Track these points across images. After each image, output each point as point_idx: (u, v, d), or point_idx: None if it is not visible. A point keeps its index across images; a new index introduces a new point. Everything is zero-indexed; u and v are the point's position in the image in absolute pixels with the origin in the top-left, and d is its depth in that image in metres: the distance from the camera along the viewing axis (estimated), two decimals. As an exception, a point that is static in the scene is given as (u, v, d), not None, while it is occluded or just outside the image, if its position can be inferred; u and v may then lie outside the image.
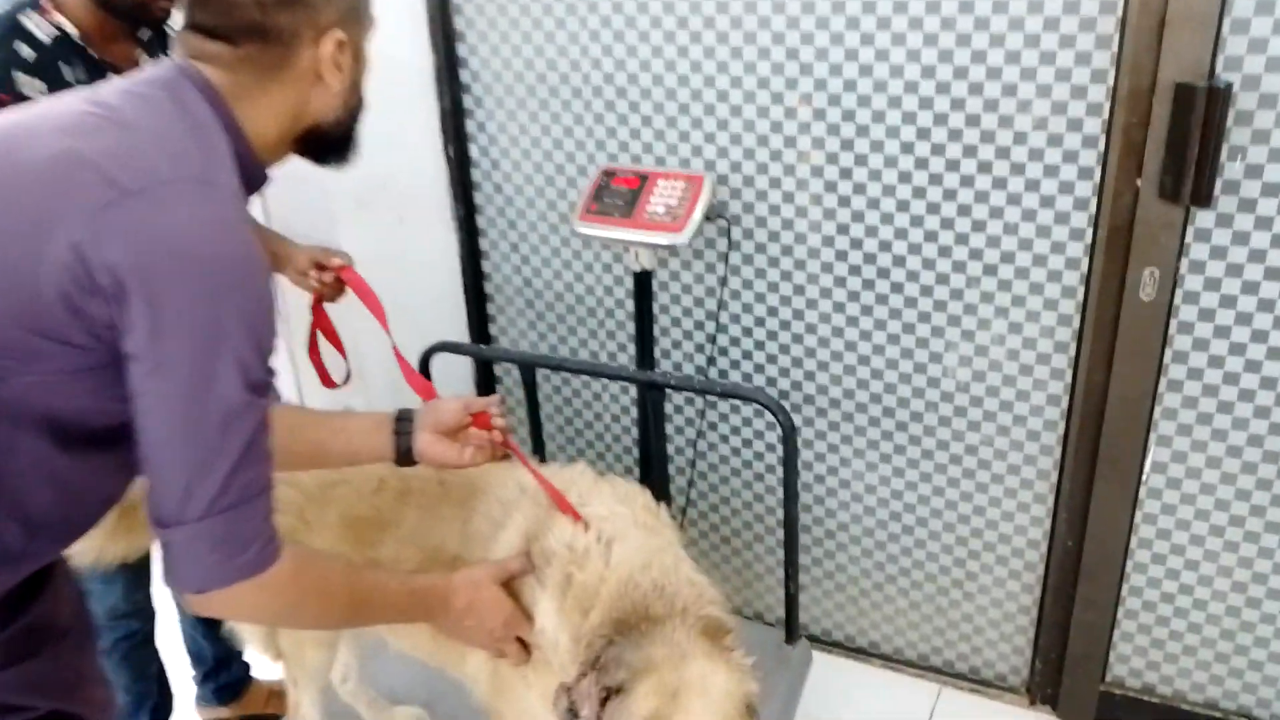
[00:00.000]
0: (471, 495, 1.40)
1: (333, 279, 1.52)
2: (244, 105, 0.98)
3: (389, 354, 1.33)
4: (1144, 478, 1.76)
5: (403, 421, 1.26)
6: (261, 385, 0.91)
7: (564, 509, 1.28)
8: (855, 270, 1.85)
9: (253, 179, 1.01)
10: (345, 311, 1.53)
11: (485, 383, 2.31)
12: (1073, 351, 1.74)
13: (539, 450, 1.93)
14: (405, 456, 1.25)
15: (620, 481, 1.37)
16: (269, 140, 1.02)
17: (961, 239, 1.74)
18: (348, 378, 1.59)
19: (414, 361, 1.82)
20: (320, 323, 1.53)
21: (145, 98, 0.93)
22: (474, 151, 2.11)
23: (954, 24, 1.62)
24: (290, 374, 2.08)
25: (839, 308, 1.90)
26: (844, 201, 1.81)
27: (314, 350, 1.54)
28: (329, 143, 1.09)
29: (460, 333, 2.24)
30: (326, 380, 1.57)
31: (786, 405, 1.98)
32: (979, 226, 1.72)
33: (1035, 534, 1.90)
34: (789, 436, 1.65)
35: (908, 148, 1.73)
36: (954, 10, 1.61)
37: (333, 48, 1.01)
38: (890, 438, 1.95)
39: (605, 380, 2.10)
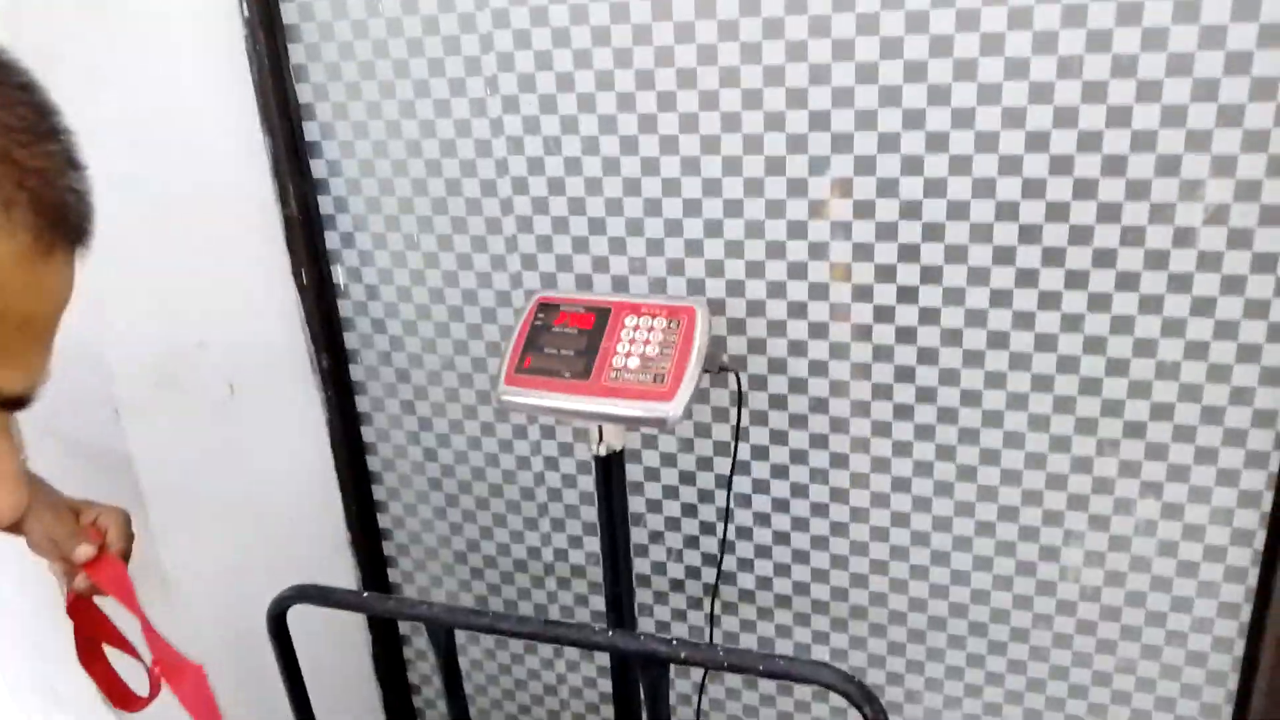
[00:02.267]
0: None
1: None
2: None
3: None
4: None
5: None
6: None
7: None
8: (925, 433, 1.27)
9: None
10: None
11: (389, 649, 1.66)
12: (1259, 543, 1.19)
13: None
14: None
15: None
16: None
17: (1091, 385, 1.18)
18: (155, 687, 1.00)
19: (261, 619, 1.18)
20: (90, 625, 0.99)
21: None
22: (339, 275, 1.47)
23: (1077, 67, 1.06)
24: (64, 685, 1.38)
25: (902, 485, 1.31)
26: (905, 335, 1.23)
27: (91, 659, 1.00)
28: None
29: (338, 559, 1.57)
30: (124, 698, 1.00)
31: (865, 680, 1.38)
32: (1117, 369, 1.16)
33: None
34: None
35: (1005, 255, 1.16)
36: (1080, 46, 1.05)
37: None
38: (981, 663, 1.37)
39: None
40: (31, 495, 0.95)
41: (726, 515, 1.41)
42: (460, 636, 1.60)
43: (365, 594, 1.21)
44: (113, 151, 1.25)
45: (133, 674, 1.03)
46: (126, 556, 1.00)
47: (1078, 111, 1.07)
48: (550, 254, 1.35)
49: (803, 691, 1.47)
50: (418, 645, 1.70)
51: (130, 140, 1.17)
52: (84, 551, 0.96)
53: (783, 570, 1.42)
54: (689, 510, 1.44)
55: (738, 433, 1.35)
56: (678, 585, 1.48)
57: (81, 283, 0.48)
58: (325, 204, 1.43)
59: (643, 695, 1.16)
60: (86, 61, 1.15)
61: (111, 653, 1.05)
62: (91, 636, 1.04)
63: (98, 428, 1.21)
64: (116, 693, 1.06)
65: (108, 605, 1.03)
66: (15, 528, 0.98)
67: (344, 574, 1.58)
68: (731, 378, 1.32)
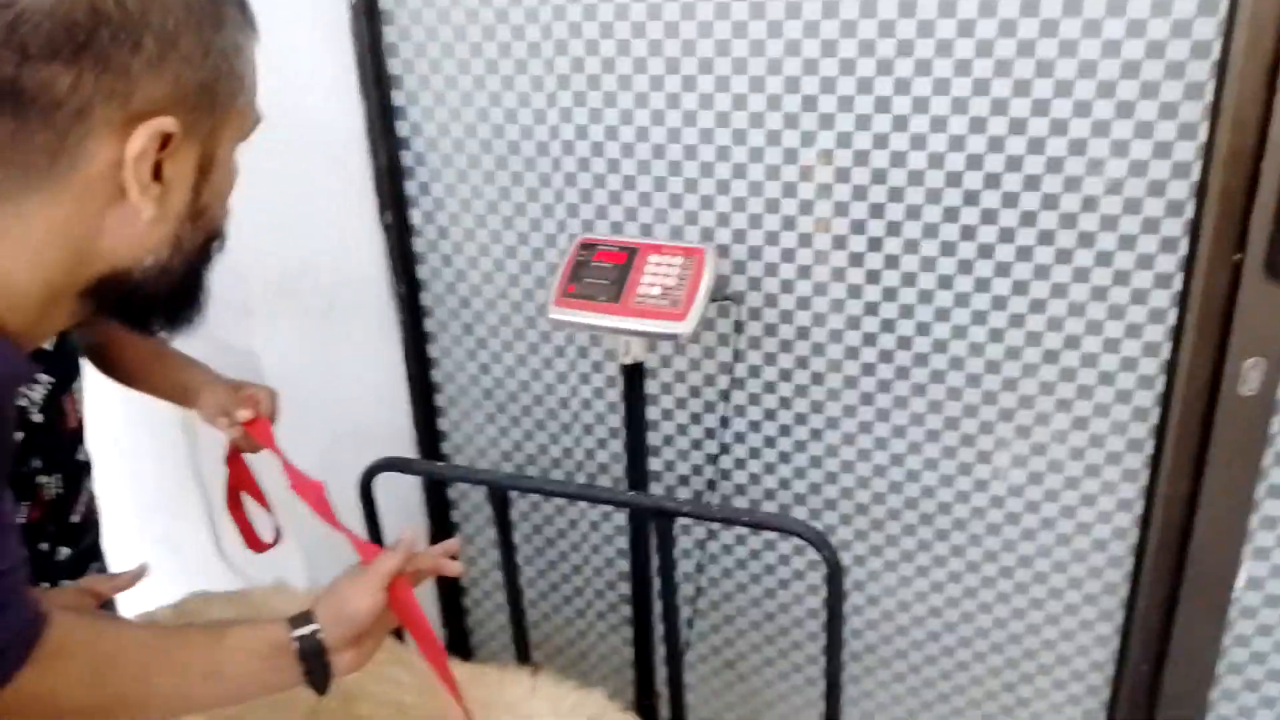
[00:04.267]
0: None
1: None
2: None
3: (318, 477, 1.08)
4: (1235, 595, 1.54)
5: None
6: None
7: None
8: (887, 356, 1.60)
9: None
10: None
11: (439, 512, 2.00)
12: (1149, 450, 1.51)
13: (513, 590, 1.61)
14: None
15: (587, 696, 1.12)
16: (26, 294, 0.63)
17: (1016, 320, 1.50)
18: (278, 536, 1.32)
19: (352, 485, 1.51)
20: (239, 477, 1.29)
21: None
22: (416, 218, 1.80)
23: (1010, 68, 1.37)
24: (208, 531, 1.74)
25: (867, 399, 1.64)
26: (873, 277, 1.56)
27: (235, 505, 1.32)
28: (141, 301, 0.71)
29: (407, 447, 1.91)
30: (253, 541, 1.34)
31: (820, 525, 1.71)
32: (1038, 307, 1.49)
33: (1100, 655, 1.67)
34: (835, 576, 1.37)
35: (951, 214, 1.48)
36: (1010, 53, 1.37)
37: (146, 143, 0.63)
38: (928, 548, 1.70)
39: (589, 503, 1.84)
40: (206, 373, 1.29)
41: (724, 422, 1.73)
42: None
43: (440, 463, 1.56)
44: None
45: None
46: (273, 419, 1.32)
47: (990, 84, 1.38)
48: (590, 204, 1.67)
49: (785, 547, 1.79)
50: (464, 510, 2.03)
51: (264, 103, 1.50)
52: (244, 414, 1.25)
53: (770, 468, 1.75)
54: (695, 419, 1.77)
55: (735, 353, 1.67)
56: (684, 480, 1.82)
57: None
58: (406, 158, 1.75)
59: (655, 545, 1.51)
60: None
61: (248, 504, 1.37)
62: (236, 487, 1.38)
63: (232, 326, 1.55)
64: (250, 536, 1.40)
65: (254, 461, 1.34)
66: (189, 401, 1.32)
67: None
68: (733, 308, 1.65)
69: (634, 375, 1.56)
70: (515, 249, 1.76)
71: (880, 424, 1.65)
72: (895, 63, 1.42)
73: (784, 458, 1.73)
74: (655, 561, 1.54)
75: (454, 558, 1.01)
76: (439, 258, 1.82)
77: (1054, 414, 1.54)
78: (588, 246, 1.54)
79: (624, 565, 1.91)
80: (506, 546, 1.57)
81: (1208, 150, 1.32)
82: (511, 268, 1.78)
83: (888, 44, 1.41)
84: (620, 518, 1.88)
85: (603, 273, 1.51)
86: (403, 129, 1.74)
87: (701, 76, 1.53)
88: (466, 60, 1.65)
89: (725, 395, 1.72)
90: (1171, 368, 1.45)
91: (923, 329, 1.56)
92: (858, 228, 1.54)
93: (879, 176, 1.50)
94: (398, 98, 1.72)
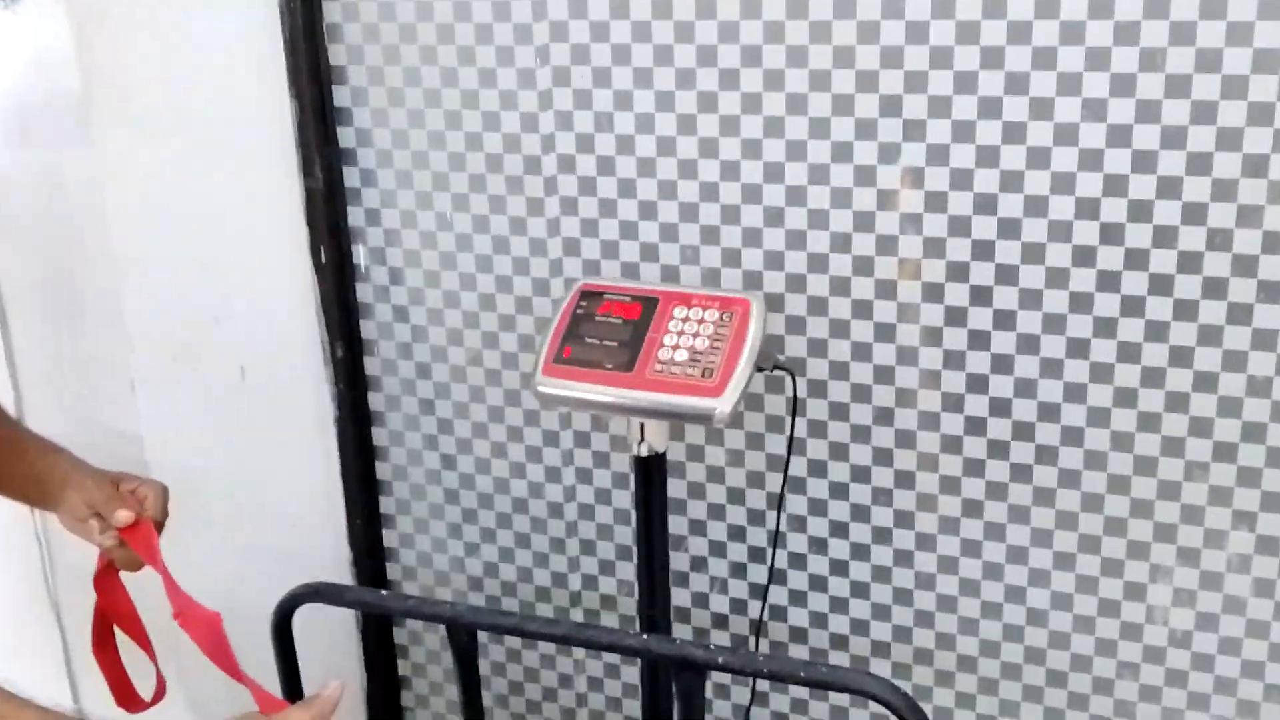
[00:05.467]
0: None
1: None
2: None
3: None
4: None
5: None
6: None
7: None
8: (999, 450, 1.62)
9: None
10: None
11: (382, 657, 2.02)
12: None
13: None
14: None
15: None
16: None
17: (1178, 401, 1.52)
18: (161, 690, 1.37)
19: (265, 618, 1.54)
20: (111, 604, 1.34)
21: None
22: (360, 256, 1.86)
23: (1188, 86, 1.41)
24: (62, 680, 1.77)
25: (972, 509, 1.66)
26: (979, 339, 1.59)
27: (103, 645, 1.38)
28: None
29: (340, 568, 1.95)
30: (127, 696, 1.39)
31: (908, 686, 1.72)
32: (1206, 383, 1.51)
33: None
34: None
35: (1085, 256, 1.51)
36: (1188, 66, 1.41)
37: None
38: (1060, 718, 1.70)
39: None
40: (72, 464, 1.34)
41: (774, 539, 1.74)
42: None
43: (384, 591, 1.59)
44: (143, 110, 1.62)
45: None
46: (160, 526, 1.37)
47: (1160, 105, 1.42)
48: (595, 239, 1.71)
49: (860, 716, 1.78)
50: (415, 659, 2.04)
51: (160, 100, 1.57)
52: (122, 516, 1.31)
53: (839, 606, 1.76)
54: (736, 534, 1.78)
55: (791, 443, 1.69)
56: (720, 620, 1.83)
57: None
58: (351, 176, 1.80)
59: (678, 710, 1.52)
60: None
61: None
62: (106, 619, 1.41)
63: (111, 401, 1.60)
64: (122, 689, 1.43)
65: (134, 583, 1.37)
66: (48, 501, 1.37)
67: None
68: (787, 380, 1.66)
69: (651, 472, 1.57)
70: (493, 298, 1.79)
71: (991, 543, 1.66)
72: (1006, 52, 1.46)
73: (858, 589, 1.74)
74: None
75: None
76: (390, 310, 1.86)
77: (1230, 531, 1.55)
78: (591, 295, 1.57)
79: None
80: (473, 708, 1.59)
81: None
82: (488, 323, 1.81)
83: (994, 27, 1.46)
84: (631, 671, 1.88)
85: (611, 331, 1.54)
86: (346, 137, 1.79)
87: (746, 70, 1.58)
88: (432, 48, 1.71)
89: (778, 502, 1.73)
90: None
91: (1047, 412, 1.57)
92: (957, 272, 1.56)
93: (986, 204, 1.52)
94: (340, 95, 1.77)
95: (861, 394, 1.66)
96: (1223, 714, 1.62)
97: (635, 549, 1.63)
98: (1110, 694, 1.67)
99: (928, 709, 1.74)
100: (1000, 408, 1.61)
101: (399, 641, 2.04)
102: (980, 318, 1.58)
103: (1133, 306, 1.51)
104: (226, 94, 1.70)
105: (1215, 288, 1.47)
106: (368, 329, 1.89)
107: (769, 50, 1.56)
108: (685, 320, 1.53)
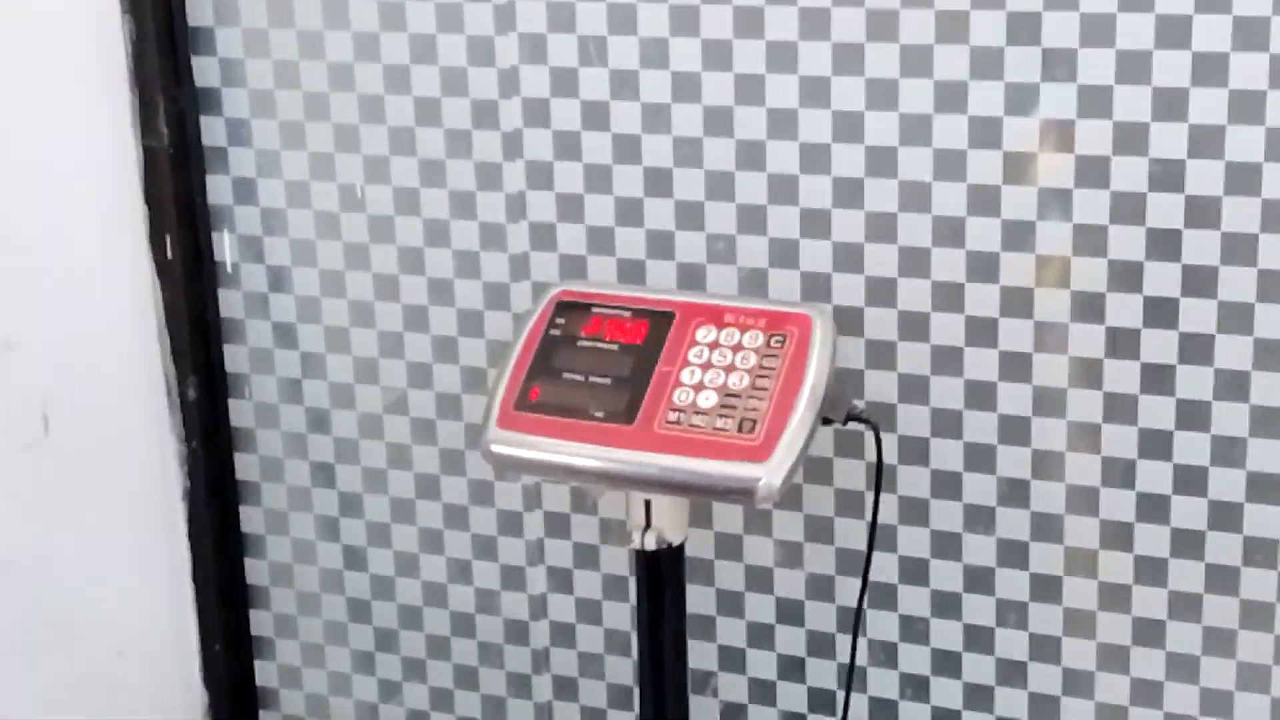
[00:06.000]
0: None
1: None
2: None
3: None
4: None
5: None
6: None
7: None
8: (1191, 542, 1.44)
9: None
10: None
11: None
12: None
13: None
14: None
15: None
16: None
17: None
18: None
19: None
20: None
21: None
22: (225, 249, 1.70)
23: None
24: None
25: (1149, 635, 1.48)
26: (1156, 377, 1.43)
27: None
28: None
29: (193, 712, 1.80)
30: None
31: None
32: None
33: None
34: None
35: None
36: None
37: None
38: None
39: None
40: None
41: (849, 678, 1.50)
42: None
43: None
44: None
45: None
46: None
47: None
48: (579, 224, 1.54)
49: None
50: None
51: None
52: None
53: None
54: (791, 670, 1.61)
55: (874, 532, 1.44)
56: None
57: None
58: (212, 130, 1.63)
59: None
60: None
61: None
62: None
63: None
64: None
65: None
66: None
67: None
68: (869, 437, 1.43)
69: (663, 574, 1.41)
70: (424, 312, 1.63)
71: (1177, 685, 1.48)
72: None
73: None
74: None
75: None
76: (269, 330, 1.71)
77: None
78: (571, 308, 1.43)
79: None
80: None
81: None
82: (416, 350, 1.65)
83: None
84: None
85: (601, 361, 1.39)
86: (205, 72, 1.63)
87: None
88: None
89: (854, 622, 1.52)
90: None
91: (1261, 487, 1.40)
92: (1125, 278, 1.40)
93: (1168, 176, 1.35)
94: (197, 10, 1.61)
95: (979, 459, 1.52)
96: None
97: (638, 691, 1.45)
98: None
99: None
100: (1191, 480, 1.45)
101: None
102: (1160, 346, 1.42)
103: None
104: (23, 6, 1.49)
105: None
106: (235, 358, 1.74)
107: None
108: (714, 346, 1.38)
